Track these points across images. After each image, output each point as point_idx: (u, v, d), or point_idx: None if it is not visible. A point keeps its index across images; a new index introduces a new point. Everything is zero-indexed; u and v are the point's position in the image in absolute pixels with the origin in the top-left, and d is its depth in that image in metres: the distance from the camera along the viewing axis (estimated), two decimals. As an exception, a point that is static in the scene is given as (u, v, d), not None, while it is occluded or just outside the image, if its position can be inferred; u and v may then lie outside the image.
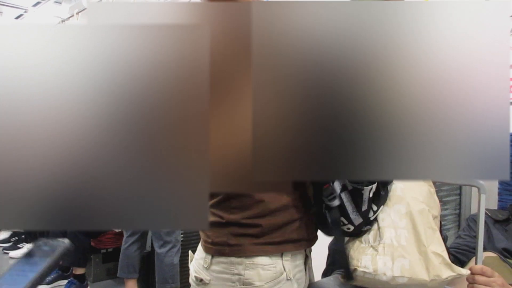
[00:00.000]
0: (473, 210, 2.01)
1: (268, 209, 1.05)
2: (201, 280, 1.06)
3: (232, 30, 0.53)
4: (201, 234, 1.11)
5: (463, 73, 0.51)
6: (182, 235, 3.10)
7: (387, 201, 1.13)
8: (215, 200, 1.08)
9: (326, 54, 0.51)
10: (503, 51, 0.50)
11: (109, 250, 3.45)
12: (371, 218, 1.11)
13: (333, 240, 1.77)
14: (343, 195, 1.09)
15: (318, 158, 0.51)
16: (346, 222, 1.10)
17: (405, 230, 1.07)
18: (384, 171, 0.52)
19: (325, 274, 1.69)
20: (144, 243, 3.10)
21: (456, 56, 0.51)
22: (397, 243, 1.06)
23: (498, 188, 1.98)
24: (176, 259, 2.93)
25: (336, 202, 1.09)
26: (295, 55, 0.51)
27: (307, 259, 1.16)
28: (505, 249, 1.35)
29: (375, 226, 1.11)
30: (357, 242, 1.13)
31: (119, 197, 0.48)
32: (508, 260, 1.29)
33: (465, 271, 1.06)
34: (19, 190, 0.48)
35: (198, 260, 1.10)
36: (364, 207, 1.10)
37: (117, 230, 3.44)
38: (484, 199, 1.14)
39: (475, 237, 1.30)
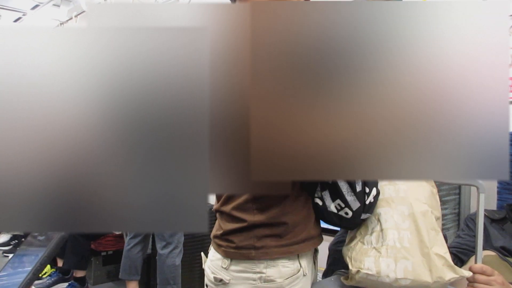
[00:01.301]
0: (472, 210, 2.01)
1: (290, 206, 1.08)
2: (221, 280, 1.07)
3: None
4: (219, 241, 1.11)
5: (462, 73, 0.51)
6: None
7: (390, 203, 1.12)
8: (235, 203, 1.08)
9: (325, 54, 0.51)
10: (502, 51, 0.50)
11: (109, 252, 3.45)
12: (367, 203, 1.11)
13: (333, 240, 1.77)
14: None
15: (317, 158, 0.51)
16: (343, 205, 1.10)
17: (408, 231, 1.07)
18: (383, 171, 0.52)
19: (326, 274, 1.69)
20: (146, 245, 3.10)
21: (456, 56, 0.51)
22: (400, 245, 1.06)
23: (498, 187, 1.98)
24: (178, 261, 2.93)
25: (329, 180, 1.09)
26: (295, 56, 0.51)
27: (315, 252, 1.20)
28: (503, 248, 1.36)
29: (377, 227, 1.11)
30: (359, 244, 1.13)
31: (119, 199, 0.48)
32: (507, 258, 1.29)
33: (467, 273, 1.06)
34: (19, 192, 0.48)
35: (214, 261, 1.11)
36: (359, 187, 1.09)
37: (117, 233, 3.44)
38: (483, 199, 1.14)
39: (475, 236, 1.30)
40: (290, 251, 1.07)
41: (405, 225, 1.08)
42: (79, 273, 3.27)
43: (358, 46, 0.51)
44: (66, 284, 3.28)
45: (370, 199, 1.11)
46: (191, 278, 3.21)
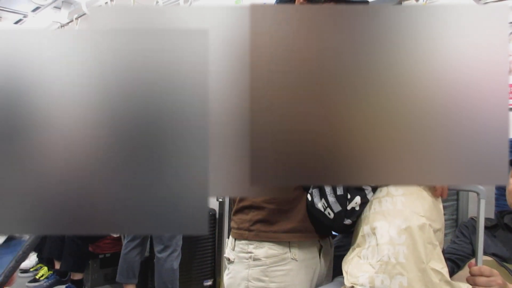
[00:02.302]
0: (470, 215, 2.01)
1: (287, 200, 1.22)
2: (229, 259, 1.29)
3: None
4: (232, 223, 1.32)
5: (462, 79, 0.51)
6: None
7: (387, 216, 1.10)
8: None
9: (325, 58, 0.51)
10: (502, 57, 0.50)
11: (107, 255, 3.44)
12: (348, 208, 1.18)
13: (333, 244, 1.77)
14: None
15: (316, 163, 0.51)
16: (326, 205, 1.20)
17: (404, 246, 1.04)
18: (382, 176, 0.52)
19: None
20: (144, 249, 3.09)
21: (455, 62, 0.51)
22: (395, 260, 1.03)
23: (495, 194, 1.98)
24: (176, 264, 2.92)
25: None
26: (295, 60, 0.51)
27: (322, 248, 1.32)
28: (494, 254, 1.36)
29: (373, 241, 1.09)
30: (356, 258, 1.11)
31: (119, 202, 0.48)
32: (504, 264, 1.29)
33: (465, 287, 1.04)
34: (17, 195, 0.48)
35: (229, 244, 1.33)
36: (339, 191, 1.18)
37: (115, 235, 3.43)
38: (483, 204, 1.15)
39: (470, 243, 1.30)
40: (276, 237, 1.22)
41: (401, 239, 1.05)
42: (77, 276, 3.26)
43: (358, 49, 0.51)
44: (64, 286, 3.27)
45: (352, 205, 1.18)
46: (188, 282, 3.20)
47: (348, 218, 1.19)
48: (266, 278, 1.21)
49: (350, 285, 1.06)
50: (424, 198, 1.13)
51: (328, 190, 1.20)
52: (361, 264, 1.09)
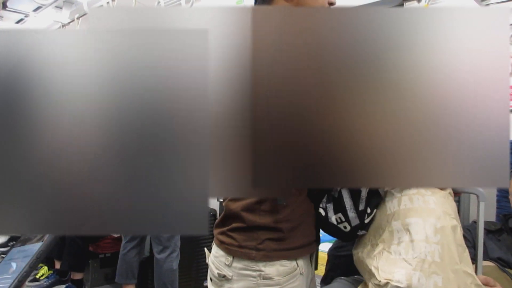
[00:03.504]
0: (472, 219, 2.01)
1: (297, 213, 1.16)
2: (224, 276, 1.16)
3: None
4: (222, 237, 1.20)
5: (463, 81, 0.51)
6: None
7: (420, 213, 1.08)
8: (244, 202, 1.14)
9: (327, 60, 0.51)
10: (502, 59, 0.50)
11: (107, 255, 3.44)
12: (366, 222, 1.15)
13: (332, 246, 1.76)
14: (343, 191, 1.15)
15: (318, 166, 0.51)
16: (343, 219, 1.16)
17: (438, 245, 1.02)
18: (383, 179, 0.52)
19: (324, 280, 1.69)
20: (142, 249, 3.09)
21: (456, 64, 0.51)
22: (431, 259, 1.01)
23: (497, 195, 1.97)
24: (175, 265, 2.92)
25: (335, 194, 1.16)
26: (296, 61, 0.51)
27: (312, 254, 1.27)
28: (500, 258, 1.35)
29: (406, 237, 1.06)
30: (385, 253, 1.08)
31: (120, 202, 0.48)
32: (506, 269, 1.29)
33: None
34: (18, 195, 0.48)
35: (218, 258, 1.19)
36: (361, 207, 1.14)
37: (115, 235, 3.43)
38: (483, 207, 1.14)
39: (473, 247, 1.29)
40: (287, 255, 1.14)
41: (436, 238, 1.03)
42: (77, 275, 3.26)
43: (359, 51, 0.51)
44: (64, 286, 3.27)
45: (369, 219, 1.16)
46: (187, 282, 3.20)
47: (362, 229, 1.17)
48: None
49: (385, 281, 1.03)
50: (451, 201, 1.11)
51: (348, 205, 1.16)
52: (395, 260, 1.05)
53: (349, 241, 1.29)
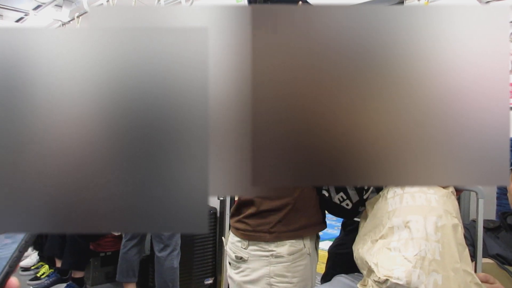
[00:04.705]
0: (472, 216, 2.01)
1: (303, 197, 1.33)
2: (241, 257, 1.35)
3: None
4: (238, 224, 1.38)
5: (462, 78, 0.51)
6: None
7: (422, 211, 1.08)
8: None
9: (326, 58, 0.51)
10: (502, 57, 0.50)
11: (108, 253, 3.45)
12: (364, 197, 1.29)
13: (333, 243, 1.77)
14: None
15: (318, 163, 0.51)
16: (345, 197, 1.31)
17: (439, 244, 1.02)
18: (382, 177, 0.52)
19: (324, 278, 1.69)
20: (143, 247, 3.09)
21: (456, 61, 0.51)
22: (431, 257, 1.01)
23: (497, 193, 1.98)
24: (176, 263, 2.93)
25: None
26: (297, 59, 0.51)
27: (317, 238, 1.43)
28: (499, 255, 1.35)
29: (406, 235, 1.06)
30: (385, 250, 1.08)
31: (119, 200, 0.48)
32: (505, 267, 1.29)
33: None
34: (17, 193, 0.48)
35: (235, 243, 1.39)
36: None
37: (116, 234, 3.43)
38: (482, 204, 1.14)
39: (472, 245, 1.29)
40: (296, 235, 1.31)
41: (436, 236, 1.03)
42: (78, 274, 3.27)
43: (358, 49, 0.51)
44: (64, 284, 3.28)
45: (367, 194, 1.31)
46: (188, 280, 3.21)
47: (363, 205, 1.29)
48: (289, 274, 1.30)
49: (384, 277, 1.03)
50: (453, 200, 1.11)
51: None
52: (394, 256, 1.05)
53: (352, 218, 1.43)
